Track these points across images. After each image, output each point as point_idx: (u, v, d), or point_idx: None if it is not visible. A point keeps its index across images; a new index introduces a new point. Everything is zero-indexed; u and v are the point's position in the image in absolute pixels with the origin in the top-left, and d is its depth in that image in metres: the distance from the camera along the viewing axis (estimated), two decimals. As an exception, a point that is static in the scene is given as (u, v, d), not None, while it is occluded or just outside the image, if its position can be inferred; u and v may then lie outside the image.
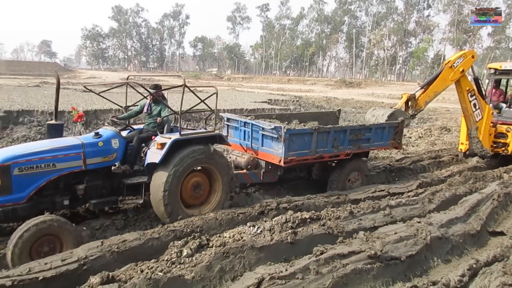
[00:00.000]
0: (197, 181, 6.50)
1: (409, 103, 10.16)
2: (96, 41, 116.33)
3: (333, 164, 8.88)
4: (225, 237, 5.46)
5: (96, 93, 7.02)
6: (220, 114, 9.78)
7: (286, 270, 4.39)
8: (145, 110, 7.06)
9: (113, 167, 6.39)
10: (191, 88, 7.10)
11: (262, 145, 7.79)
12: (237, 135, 8.41)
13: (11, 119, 15.97)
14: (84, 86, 6.78)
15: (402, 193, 8.41)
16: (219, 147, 8.69)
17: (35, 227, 4.90)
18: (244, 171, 7.90)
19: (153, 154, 6.08)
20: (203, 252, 5.01)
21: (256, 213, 6.41)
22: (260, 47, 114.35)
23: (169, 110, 6.77)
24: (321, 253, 4.84)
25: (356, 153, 8.51)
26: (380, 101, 36.66)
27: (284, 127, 7.27)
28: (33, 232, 4.88)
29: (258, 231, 5.45)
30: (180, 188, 6.19)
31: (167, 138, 6.09)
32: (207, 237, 5.47)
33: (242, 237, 5.33)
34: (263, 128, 7.62)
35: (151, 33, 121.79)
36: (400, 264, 4.93)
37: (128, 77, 7.53)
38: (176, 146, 6.08)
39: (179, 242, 5.25)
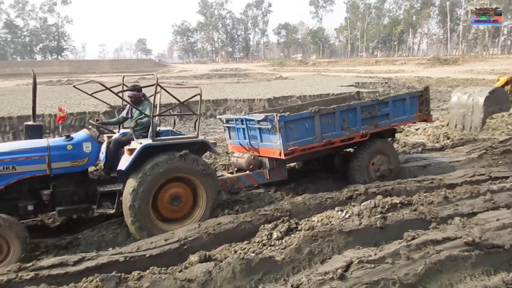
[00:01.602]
0: (176, 193, 5.74)
1: (509, 86, 9.09)
2: (185, 35, 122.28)
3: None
4: (313, 221, 5.55)
5: (88, 94, 6.48)
6: (218, 117, 9.46)
7: (375, 254, 4.37)
8: (124, 114, 6.61)
9: (90, 173, 6.03)
10: (171, 87, 6.86)
11: (262, 141, 7.04)
12: (237, 136, 7.74)
13: (111, 114, 17.61)
14: (74, 86, 6.26)
15: (507, 177, 7.72)
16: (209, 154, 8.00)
17: None
18: (247, 172, 7.17)
19: (123, 161, 5.52)
20: (292, 235, 5.16)
21: (344, 198, 6.39)
22: (344, 29, 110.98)
23: (150, 110, 5.94)
24: (413, 239, 4.71)
25: (374, 133, 7.59)
26: (480, 78, 33.61)
27: (276, 114, 6.50)
28: None
29: (347, 216, 5.46)
30: (152, 200, 5.52)
31: (139, 144, 5.47)
32: (296, 221, 5.61)
33: (330, 221, 5.38)
34: (257, 121, 6.85)
35: (236, 23, 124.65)
36: (503, 253, 4.60)
37: (123, 78, 7.07)
38: (150, 153, 5.48)
39: (269, 225, 5.47)
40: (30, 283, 4.16)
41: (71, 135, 5.75)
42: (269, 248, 4.90)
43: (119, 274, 4.14)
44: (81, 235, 5.80)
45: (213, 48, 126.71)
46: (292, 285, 4.03)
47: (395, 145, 10.06)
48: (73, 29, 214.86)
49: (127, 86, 6.58)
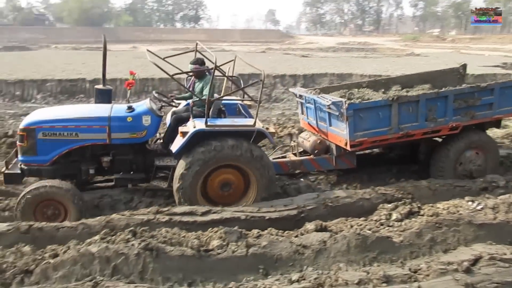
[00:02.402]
0: (227, 179, 5.58)
1: None
2: (315, 7, 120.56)
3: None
4: (438, 207, 5.20)
5: (161, 58, 6.06)
6: (290, 89, 8.47)
7: (511, 253, 3.95)
8: (187, 86, 6.35)
9: (148, 145, 6.02)
10: (230, 68, 6.31)
11: (330, 125, 6.28)
12: (309, 114, 7.04)
13: (243, 79, 18.43)
14: (148, 50, 6.13)
15: None
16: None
17: (35, 191, 5.08)
18: (311, 157, 6.65)
19: (176, 142, 5.50)
20: (413, 219, 4.93)
21: (478, 189, 5.85)
22: (496, 0, 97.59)
23: (212, 89, 5.70)
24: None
25: (468, 125, 6.38)
26: None
27: (345, 101, 5.71)
28: (34, 196, 5.06)
29: (479, 208, 4.99)
30: (201, 184, 5.46)
31: (192, 127, 5.35)
32: (418, 205, 5.33)
33: (458, 211, 4.98)
34: (326, 106, 6.05)
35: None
36: None
37: (196, 44, 6.57)
38: (205, 136, 5.35)
39: (389, 205, 5.31)
40: (165, 225, 4.72)
41: (133, 106, 5.76)
42: (387, 228, 4.75)
43: (240, 229, 4.45)
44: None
45: (342, 21, 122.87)
46: (410, 269, 3.89)
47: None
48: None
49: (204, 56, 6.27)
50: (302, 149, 7.03)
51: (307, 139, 6.72)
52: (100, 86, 6.36)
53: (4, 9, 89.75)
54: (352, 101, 5.92)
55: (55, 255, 4.01)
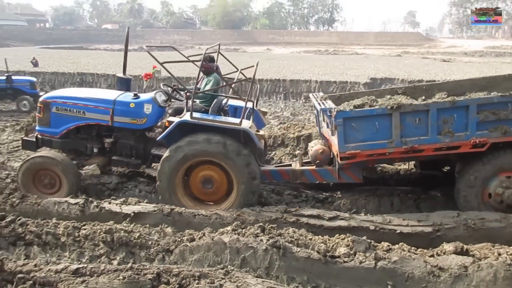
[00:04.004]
0: (209, 175, 5.56)
1: None
2: (462, 7, 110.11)
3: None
4: None
5: (158, 62, 5.80)
6: (310, 94, 7.19)
7: None
8: (199, 83, 6.41)
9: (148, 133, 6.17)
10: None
11: (332, 134, 5.45)
12: (320, 120, 6.43)
13: (375, 85, 17.75)
14: (147, 50, 6.22)
15: None
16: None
17: (32, 160, 5.72)
18: (313, 167, 6.02)
19: (164, 131, 5.60)
20: None
21: None
22: None
23: (214, 85, 6.01)
24: None
25: (498, 142, 5.03)
26: None
27: (334, 108, 5.10)
28: (30, 164, 5.70)
29: None
30: (183, 176, 5.58)
31: (179, 118, 5.49)
32: None
33: None
34: (321, 111, 5.60)
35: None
36: None
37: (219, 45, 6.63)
38: (192, 130, 5.39)
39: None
40: (292, 225, 4.78)
41: (139, 94, 6.08)
42: (545, 263, 4.06)
43: (369, 240, 4.26)
44: (337, 194, 6.23)
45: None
46: None
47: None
48: (345, 2, 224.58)
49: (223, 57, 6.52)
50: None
51: (312, 148, 6.26)
52: (120, 75, 6.73)
53: (159, 14, 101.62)
54: (342, 108, 5.29)
55: (192, 239, 4.35)
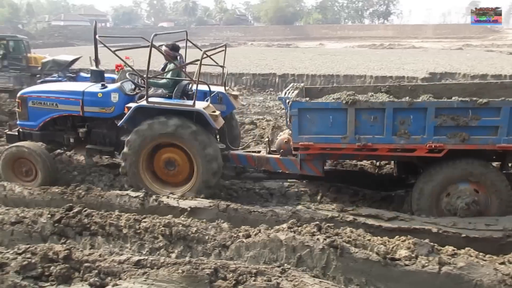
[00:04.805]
0: (171, 158, 5.85)
1: None
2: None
3: None
4: None
5: (111, 50, 5.85)
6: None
7: None
8: (161, 69, 6.56)
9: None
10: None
11: (288, 124, 5.75)
12: None
13: (435, 80, 16.95)
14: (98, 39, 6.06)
15: None
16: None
17: (9, 149, 6.14)
18: (278, 156, 6.07)
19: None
20: None
21: None
22: None
23: (174, 72, 6.18)
24: None
25: (458, 150, 4.85)
26: None
27: (290, 98, 5.14)
28: (8, 153, 6.11)
29: None
30: (147, 159, 5.86)
31: (137, 103, 5.74)
32: None
33: None
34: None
35: None
36: None
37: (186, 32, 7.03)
38: (150, 115, 5.65)
39: None
40: (349, 224, 4.66)
41: (106, 84, 6.28)
42: None
43: (432, 243, 4.06)
44: (395, 193, 6.01)
45: None
46: None
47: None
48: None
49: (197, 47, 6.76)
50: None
51: (278, 137, 6.27)
52: (93, 67, 6.99)
53: (213, 11, 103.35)
54: (298, 98, 5.25)
55: (248, 236, 4.36)
